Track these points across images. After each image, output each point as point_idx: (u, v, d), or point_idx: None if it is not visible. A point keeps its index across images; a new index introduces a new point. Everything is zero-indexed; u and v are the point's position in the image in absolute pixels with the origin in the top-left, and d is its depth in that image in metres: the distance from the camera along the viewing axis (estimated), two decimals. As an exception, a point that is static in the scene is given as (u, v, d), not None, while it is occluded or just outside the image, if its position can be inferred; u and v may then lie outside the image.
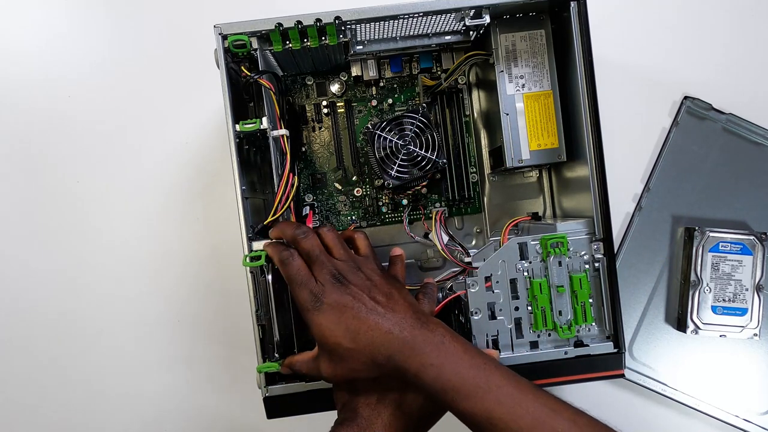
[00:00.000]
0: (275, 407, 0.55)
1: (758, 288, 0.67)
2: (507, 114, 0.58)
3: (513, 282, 0.56)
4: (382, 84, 0.66)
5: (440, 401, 0.46)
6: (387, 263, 0.61)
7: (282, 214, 0.54)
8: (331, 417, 0.71)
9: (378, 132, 0.60)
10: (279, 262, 0.51)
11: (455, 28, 0.59)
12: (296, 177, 0.56)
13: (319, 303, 0.48)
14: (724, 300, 0.67)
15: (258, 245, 0.53)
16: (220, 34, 0.53)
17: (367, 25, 0.56)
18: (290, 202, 0.54)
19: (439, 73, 0.66)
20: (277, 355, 0.54)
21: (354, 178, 0.67)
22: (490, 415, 0.44)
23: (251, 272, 0.53)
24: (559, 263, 0.55)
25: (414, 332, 0.47)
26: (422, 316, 0.49)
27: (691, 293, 0.67)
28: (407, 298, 0.51)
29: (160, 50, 0.72)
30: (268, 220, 0.54)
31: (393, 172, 0.60)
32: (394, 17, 0.54)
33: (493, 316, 0.56)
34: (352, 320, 0.47)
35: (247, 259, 0.53)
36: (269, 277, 0.53)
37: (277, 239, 0.53)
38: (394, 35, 0.59)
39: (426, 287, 0.58)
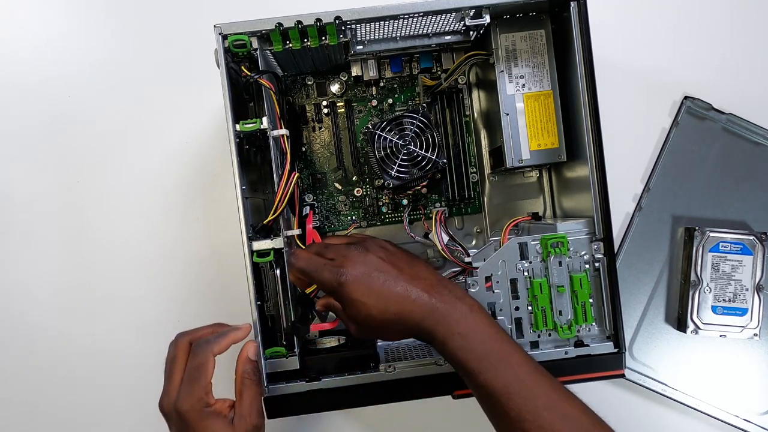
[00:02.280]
0: (276, 407, 0.54)
1: (758, 288, 0.67)
2: (507, 114, 0.58)
3: (513, 282, 0.56)
4: (382, 84, 0.66)
5: (462, 369, 0.46)
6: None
7: (282, 212, 0.54)
8: (332, 417, 0.71)
9: (378, 132, 0.60)
10: (290, 268, 0.51)
11: (455, 28, 0.59)
12: (297, 174, 0.55)
13: (344, 276, 0.47)
14: (724, 300, 0.67)
15: (262, 244, 0.53)
16: (220, 33, 0.53)
17: (367, 25, 0.56)
18: (287, 200, 0.54)
19: (439, 73, 0.66)
20: (284, 342, 0.55)
21: (354, 178, 0.67)
22: (509, 390, 0.45)
23: (255, 267, 0.53)
24: (560, 263, 0.55)
25: (443, 299, 0.47)
26: (448, 283, 0.49)
27: (691, 293, 0.67)
28: (424, 263, 0.51)
29: (160, 50, 0.72)
30: (269, 218, 0.54)
31: (393, 172, 0.60)
32: (394, 17, 0.54)
33: (493, 316, 0.56)
34: (381, 289, 0.47)
35: (256, 255, 0.53)
36: (277, 271, 0.54)
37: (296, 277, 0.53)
38: (394, 35, 0.59)
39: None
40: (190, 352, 0.49)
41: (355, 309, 0.48)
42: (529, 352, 0.55)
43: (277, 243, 0.54)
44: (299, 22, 0.53)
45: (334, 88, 0.66)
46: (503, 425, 0.46)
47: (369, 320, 0.48)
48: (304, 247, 0.56)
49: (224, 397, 0.50)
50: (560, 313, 0.55)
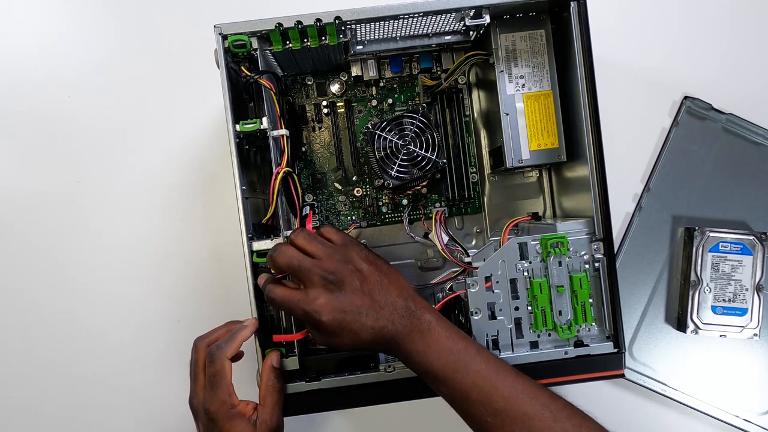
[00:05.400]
0: (275, 407, 0.54)
1: (758, 288, 0.67)
2: (507, 114, 0.58)
3: (513, 282, 0.56)
4: (382, 84, 0.66)
5: (426, 380, 0.50)
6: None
7: (278, 210, 0.54)
8: (332, 417, 0.71)
9: (378, 132, 0.60)
10: (266, 299, 0.51)
11: (455, 28, 0.59)
12: (287, 168, 0.54)
13: (319, 316, 0.48)
14: (724, 300, 0.67)
15: (262, 244, 0.53)
16: (220, 34, 0.53)
17: (367, 25, 0.56)
18: (275, 195, 0.54)
19: (439, 73, 0.66)
20: (284, 342, 0.55)
21: (354, 178, 0.67)
22: (469, 396, 0.48)
23: (255, 267, 0.53)
24: (559, 263, 0.55)
25: (404, 322, 0.49)
26: (411, 303, 0.51)
27: (691, 293, 0.67)
28: (396, 282, 0.52)
29: (160, 50, 0.72)
30: (267, 217, 0.54)
31: (393, 172, 0.60)
32: (394, 17, 0.54)
33: (493, 316, 0.56)
34: (354, 325, 0.48)
35: (256, 255, 0.53)
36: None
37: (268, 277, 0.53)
38: (394, 35, 0.59)
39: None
40: (207, 357, 0.52)
41: (328, 339, 0.50)
42: (528, 352, 0.55)
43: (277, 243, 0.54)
44: (299, 22, 0.53)
45: (334, 88, 0.66)
46: (472, 428, 0.49)
47: (340, 347, 0.50)
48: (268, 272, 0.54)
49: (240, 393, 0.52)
50: (560, 313, 0.55)
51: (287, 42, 0.55)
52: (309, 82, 0.66)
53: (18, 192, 0.71)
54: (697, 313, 0.67)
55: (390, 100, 0.66)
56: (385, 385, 0.55)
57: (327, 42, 0.55)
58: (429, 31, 0.59)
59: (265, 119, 0.53)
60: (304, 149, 0.67)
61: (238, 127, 0.52)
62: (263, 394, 0.52)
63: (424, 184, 0.65)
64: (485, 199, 0.68)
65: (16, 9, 0.72)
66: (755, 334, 0.67)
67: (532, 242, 0.56)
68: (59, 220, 0.71)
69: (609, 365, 0.56)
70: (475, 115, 0.67)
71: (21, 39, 0.72)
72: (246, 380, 0.56)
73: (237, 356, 0.52)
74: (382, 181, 0.62)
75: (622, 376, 0.57)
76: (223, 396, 0.50)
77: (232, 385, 0.51)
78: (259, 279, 0.53)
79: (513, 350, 0.56)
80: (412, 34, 0.59)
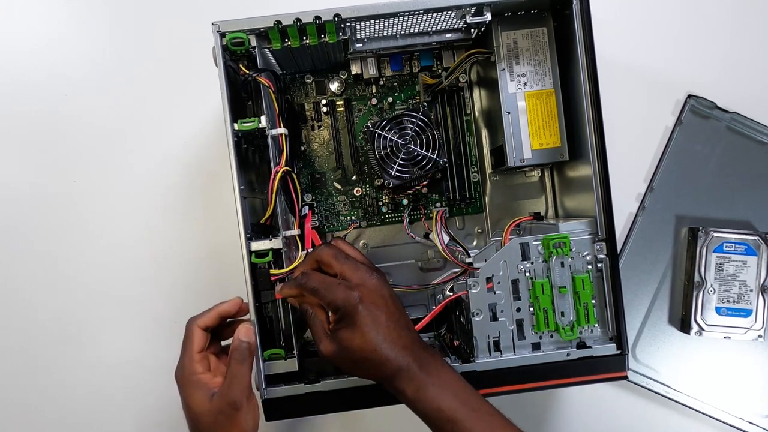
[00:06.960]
0: (274, 409, 0.54)
1: (763, 289, 0.66)
2: (508, 113, 0.58)
3: (515, 283, 0.55)
4: (382, 82, 0.66)
5: (434, 420, 0.47)
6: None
7: (276, 210, 0.54)
8: (332, 420, 0.70)
9: (378, 131, 0.59)
10: (300, 287, 0.51)
11: (456, 26, 0.59)
12: (285, 168, 0.54)
13: (359, 302, 0.47)
14: (728, 301, 0.66)
15: (261, 244, 0.53)
16: (218, 31, 0.52)
17: (367, 23, 0.55)
18: (274, 195, 0.53)
19: (439, 71, 0.66)
20: (283, 344, 0.54)
21: (354, 177, 0.67)
22: None
23: (253, 268, 0.53)
24: (562, 264, 0.54)
25: (420, 353, 0.49)
26: (421, 340, 0.51)
27: (694, 294, 0.66)
28: (408, 319, 0.52)
29: (157, 49, 0.71)
30: (265, 217, 0.54)
31: (393, 172, 0.59)
32: (394, 15, 0.53)
33: (494, 317, 0.55)
34: (383, 328, 0.48)
35: (254, 256, 0.52)
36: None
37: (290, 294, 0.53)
38: (394, 33, 0.59)
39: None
40: None
41: (349, 335, 0.48)
42: (530, 354, 0.55)
43: (275, 243, 0.53)
44: (298, 19, 0.52)
45: (334, 86, 0.66)
46: None
47: (353, 352, 0.48)
48: (317, 246, 0.55)
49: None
50: (562, 314, 0.54)
51: (286, 40, 0.55)
52: (308, 81, 0.66)
53: (16, 191, 0.70)
54: (701, 315, 0.66)
55: (390, 99, 0.66)
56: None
57: (326, 40, 0.55)
58: (429, 29, 0.59)
59: (263, 118, 0.53)
60: (303, 148, 0.66)
61: (236, 126, 0.52)
62: (227, 366, 0.50)
63: (424, 183, 0.65)
64: (486, 198, 0.67)
65: (16, 9, 0.71)
66: (760, 336, 0.66)
67: (534, 242, 0.55)
68: (58, 219, 0.70)
69: (612, 367, 0.55)
70: (476, 113, 0.66)
71: (21, 39, 0.71)
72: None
73: (222, 335, 0.54)
74: (382, 180, 0.62)
75: (625, 378, 0.56)
76: (185, 362, 0.50)
77: (198, 354, 0.51)
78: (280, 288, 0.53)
79: (515, 352, 0.55)
80: (412, 31, 0.59)
